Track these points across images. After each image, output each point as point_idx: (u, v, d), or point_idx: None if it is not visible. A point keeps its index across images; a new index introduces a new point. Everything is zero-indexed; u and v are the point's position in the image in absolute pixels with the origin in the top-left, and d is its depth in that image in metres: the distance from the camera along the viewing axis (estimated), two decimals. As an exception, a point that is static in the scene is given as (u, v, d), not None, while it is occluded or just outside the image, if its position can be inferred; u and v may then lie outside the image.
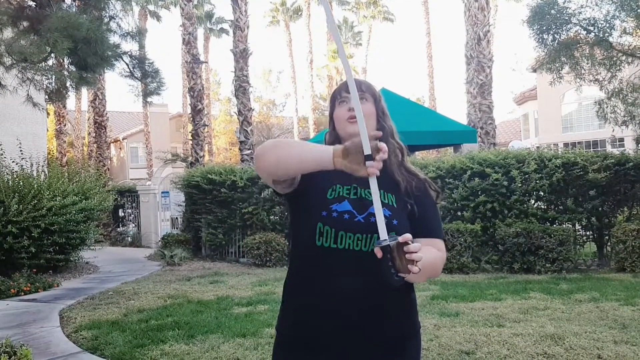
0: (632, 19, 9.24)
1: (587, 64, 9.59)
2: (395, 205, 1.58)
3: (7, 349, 2.83)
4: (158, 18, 29.67)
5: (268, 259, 9.56)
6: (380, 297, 1.51)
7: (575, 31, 9.52)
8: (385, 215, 1.48)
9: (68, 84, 9.44)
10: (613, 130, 10.58)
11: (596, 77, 9.85)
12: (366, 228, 1.51)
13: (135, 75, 9.81)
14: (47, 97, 9.98)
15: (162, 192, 15.06)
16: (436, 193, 1.70)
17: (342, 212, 1.54)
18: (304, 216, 1.58)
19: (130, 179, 26.32)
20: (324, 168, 1.42)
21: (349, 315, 1.50)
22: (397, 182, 1.62)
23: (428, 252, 1.42)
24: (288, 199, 1.66)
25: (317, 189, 1.58)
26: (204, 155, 16.08)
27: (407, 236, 1.28)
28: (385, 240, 1.31)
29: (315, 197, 1.57)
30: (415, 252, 1.26)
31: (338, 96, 1.67)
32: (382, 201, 1.50)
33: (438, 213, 1.69)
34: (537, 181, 8.41)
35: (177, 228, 14.39)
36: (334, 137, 1.68)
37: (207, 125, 21.28)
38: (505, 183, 8.42)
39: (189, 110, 18.42)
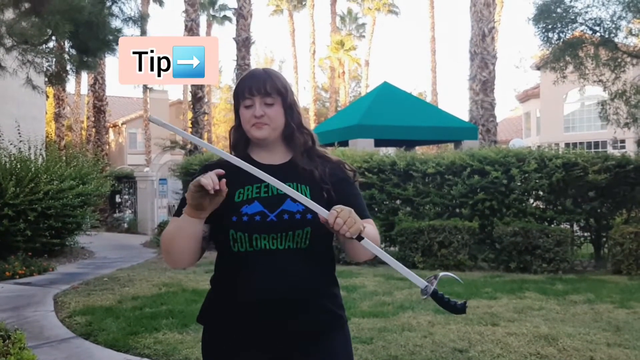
0: (638, 20, 9.18)
1: (592, 64, 9.53)
2: (309, 197, 1.53)
3: (1, 333, 2.81)
4: (160, 3, 29.35)
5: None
6: (299, 292, 1.51)
7: (581, 31, 9.46)
8: (298, 211, 1.52)
9: (68, 67, 9.37)
10: (615, 131, 10.54)
11: (600, 77, 9.80)
12: (280, 226, 1.51)
13: (136, 60, 9.73)
14: (47, 80, 9.91)
15: (160, 179, 15.03)
16: (352, 172, 1.69)
17: (253, 214, 1.52)
18: (217, 224, 1.55)
19: (128, 165, 26.25)
20: (197, 227, 1.48)
21: (270, 311, 1.50)
22: (309, 171, 1.60)
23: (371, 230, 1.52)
24: None
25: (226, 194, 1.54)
26: (203, 143, 15.99)
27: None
28: (427, 287, 1.41)
29: (225, 203, 1.51)
30: None
31: (242, 96, 1.59)
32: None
33: (359, 193, 1.67)
34: (537, 180, 8.38)
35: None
36: (239, 134, 1.64)
37: (207, 114, 21.22)
38: (505, 181, 8.39)
39: (189, 97, 18.37)
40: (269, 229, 1.51)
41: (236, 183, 1.55)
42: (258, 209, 1.52)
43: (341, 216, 1.37)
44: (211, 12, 34.21)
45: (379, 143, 11.46)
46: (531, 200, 8.80)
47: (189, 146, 16.59)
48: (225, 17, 34.28)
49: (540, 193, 8.70)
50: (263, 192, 1.55)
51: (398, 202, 9.19)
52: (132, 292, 6.49)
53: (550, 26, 9.20)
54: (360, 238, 1.39)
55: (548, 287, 6.68)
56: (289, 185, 1.54)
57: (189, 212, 1.47)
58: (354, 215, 1.38)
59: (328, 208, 1.46)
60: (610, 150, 15.91)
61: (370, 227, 1.52)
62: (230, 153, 1.62)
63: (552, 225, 8.44)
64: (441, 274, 1.44)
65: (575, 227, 8.94)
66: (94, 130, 21.30)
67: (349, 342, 1.65)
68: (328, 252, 1.63)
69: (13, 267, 7.74)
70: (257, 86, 1.58)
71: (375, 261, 8.20)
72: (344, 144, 10.60)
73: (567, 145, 19.01)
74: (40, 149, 10.25)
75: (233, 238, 1.51)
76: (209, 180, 1.39)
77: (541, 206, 8.85)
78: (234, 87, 1.63)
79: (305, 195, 1.54)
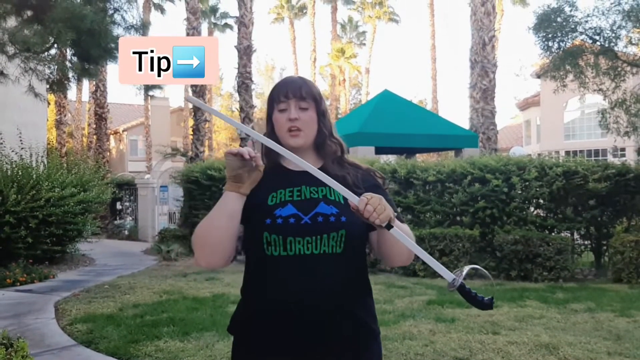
0: (638, 30, 9.23)
1: (592, 73, 9.57)
2: (342, 202, 1.55)
3: (3, 341, 2.83)
4: (162, 11, 29.61)
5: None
6: (334, 299, 1.50)
7: (581, 40, 9.51)
8: (332, 213, 1.52)
9: (70, 75, 9.41)
10: (615, 140, 10.57)
11: (600, 86, 9.84)
12: (314, 229, 1.50)
13: (138, 68, 9.75)
14: (48, 87, 9.95)
15: (161, 187, 15.04)
16: (382, 179, 1.70)
17: (287, 216, 1.51)
18: (250, 227, 1.55)
19: (129, 172, 26.29)
20: (237, 205, 1.50)
21: (303, 319, 1.48)
22: (342, 177, 1.59)
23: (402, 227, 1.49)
24: None
25: (259, 198, 1.54)
26: (204, 151, 16.07)
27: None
28: (454, 281, 1.39)
29: (258, 207, 1.53)
30: None
31: (277, 100, 1.61)
32: (328, 198, 1.54)
33: (391, 199, 1.65)
34: (537, 189, 8.39)
35: (174, 223, 14.38)
36: (272, 140, 1.62)
37: (208, 121, 21.28)
38: (505, 189, 8.40)
39: (190, 105, 18.41)
40: (304, 232, 1.50)
41: (269, 187, 1.55)
42: (292, 211, 1.52)
43: (371, 203, 1.37)
44: (212, 20, 34.34)
45: (379, 151, 11.49)
46: (532, 209, 8.80)
47: (189, 153, 16.62)
48: (226, 25, 34.40)
49: (541, 201, 8.70)
50: (296, 196, 1.55)
51: (399, 209, 9.16)
52: (133, 299, 6.49)
53: (550, 35, 9.25)
54: (389, 227, 1.39)
55: (549, 296, 6.68)
56: (322, 190, 1.56)
57: (228, 186, 1.50)
58: (384, 203, 1.38)
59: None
60: (610, 158, 15.95)
61: (403, 225, 1.52)
62: (262, 160, 1.62)
63: (553, 234, 8.44)
64: (468, 267, 1.43)
65: (576, 236, 8.93)
66: (95, 137, 21.37)
67: (381, 356, 1.64)
68: (362, 260, 1.61)
69: (14, 274, 7.74)
70: (292, 90, 1.59)
71: (376, 269, 8.21)
72: (345, 151, 10.59)
73: (567, 153, 19.05)
74: (42, 156, 10.27)
75: (267, 241, 1.51)
76: (245, 149, 1.46)
77: (542, 214, 8.85)
78: (268, 92, 1.62)
79: (339, 200, 1.54)
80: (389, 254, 1.54)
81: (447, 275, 1.41)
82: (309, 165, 1.47)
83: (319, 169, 1.59)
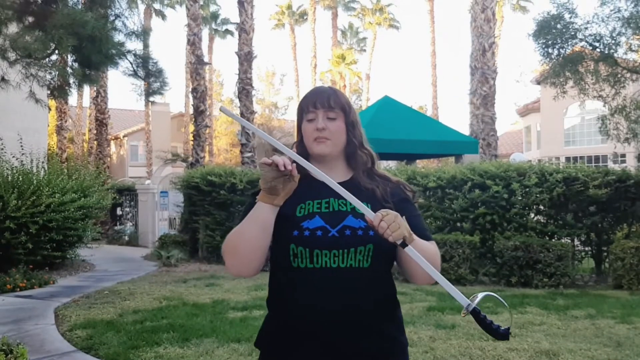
0: (638, 37, 9.26)
1: (592, 79, 9.59)
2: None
3: (3, 347, 2.83)
4: (163, 17, 29.76)
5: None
6: (361, 314, 1.48)
7: (581, 46, 9.53)
8: (361, 227, 1.50)
9: (71, 81, 9.43)
10: (615, 146, 10.57)
11: (600, 93, 9.86)
12: (342, 242, 1.48)
13: (139, 74, 9.79)
14: (49, 93, 9.97)
15: (161, 192, 15.05)
16: (412, 193, 1.68)
17: (314, 229, 1.50)
18: (276, 238, 1.53)
19: (130, 177, 26.27)
20: (269, 216, 1.47)
21: (330, 333, 1.46)
22: (371, 190, 1.58)
23: (422, 244, 1.46)
24: None
25: (287, 209, 1.52)
26: (204, 156, 16.09)
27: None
28: (469, 305, 1.36)
29: (285, 218, 1.51)
30: None
31: (305, 110, 1.60)
32: (356, 211, 1.51)
33: (420, 215, 1.65)
34: (538, 195, 8.39)
35: (174, 229, 14.38)
36: (301, 150, 1.63)
37: (209, 127, 21.31)
38: (506, 196, 8.40)
39: (191, 110, 18.45)
40: (331, 245, 1.48)
41: (297, 197, 1.53)
42: (319, 223, 1.50)
43: (386, 220, 1.35)
44: (213, 26, 34.47)
45: (379, 156, 11.43)
46: (532, 215, 8.79)
47: (190, 159, 16.63)
48: (227, 31, 34.53)
49: (541, 207, 8.70)
50: (324, 208, 1.54)
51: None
52: (132, 305, 6.49)
53: (550, 42, 9.27)
54: (404, 245, 1.37)
55: (549, 302, 6.67)
56: (350, 203, 1.51)
57: (262, 197, 1.47)
58: (399, 221, 1.36)
59: None
60: (610, 164, 15.94)
61: (428, 244, 1.50)
62: None
63: (553, 240, 8.44)
64: (484, 294, 1.39)
65: (576, 242, 8.92)
66: (95, 142, 21.41)
67: None
68: (389, 274, 1.59)
69: (14, 279, 7.74)
70: (321, 100, 1.58)
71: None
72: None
73: (567, 159, 19.07)
74: (42, 162, 10.28)
75: (293, 253, 1.49)
76: (280, 159, 1.42)
77: (542, 220, 8.84)
78: (297, 102, 1.61)
79: None
80: (410, 271, 1.52)
81: (462, 299, 1.39)
82: (327, 177, 1.45)
83: (349, 179, 1.60)
